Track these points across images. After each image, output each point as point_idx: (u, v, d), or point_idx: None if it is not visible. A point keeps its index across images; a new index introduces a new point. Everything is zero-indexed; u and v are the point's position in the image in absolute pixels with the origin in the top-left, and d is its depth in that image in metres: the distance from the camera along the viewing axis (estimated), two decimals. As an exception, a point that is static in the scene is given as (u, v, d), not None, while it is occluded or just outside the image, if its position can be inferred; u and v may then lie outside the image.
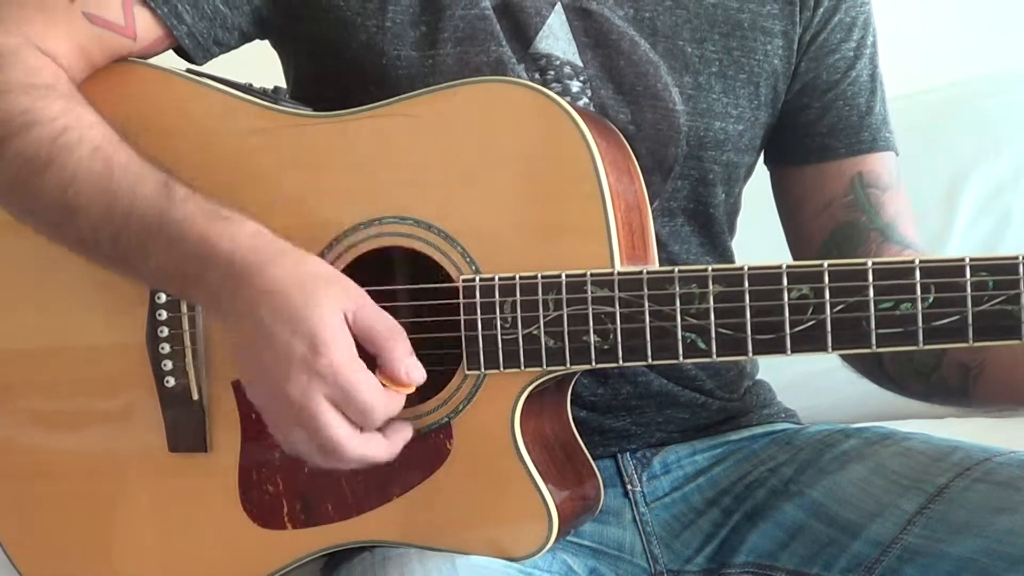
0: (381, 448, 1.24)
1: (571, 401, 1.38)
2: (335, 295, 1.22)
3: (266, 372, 1.22)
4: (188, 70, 1.43)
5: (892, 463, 1.40)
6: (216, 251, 1.24)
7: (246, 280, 1.22)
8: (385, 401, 1.22)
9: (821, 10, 1.48)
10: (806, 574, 1.40)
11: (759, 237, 1.55)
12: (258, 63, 1.56)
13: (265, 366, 1.22)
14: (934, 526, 1.33)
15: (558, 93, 1.39)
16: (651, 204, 1.36)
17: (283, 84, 1.52)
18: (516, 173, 1.29)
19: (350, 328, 1.22)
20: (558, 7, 1.42)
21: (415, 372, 1.23)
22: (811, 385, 1.63)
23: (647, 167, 1.39)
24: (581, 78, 1.42)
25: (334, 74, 1.43)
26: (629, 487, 1.47)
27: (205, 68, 1.46)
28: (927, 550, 1.33)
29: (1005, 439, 1.46)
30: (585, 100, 1.42)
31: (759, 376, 1.60)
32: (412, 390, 1.24)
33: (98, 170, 1.29)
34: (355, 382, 1.20)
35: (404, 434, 1.26)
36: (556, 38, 1.42)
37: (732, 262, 1.55)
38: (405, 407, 1.31)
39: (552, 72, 1.42)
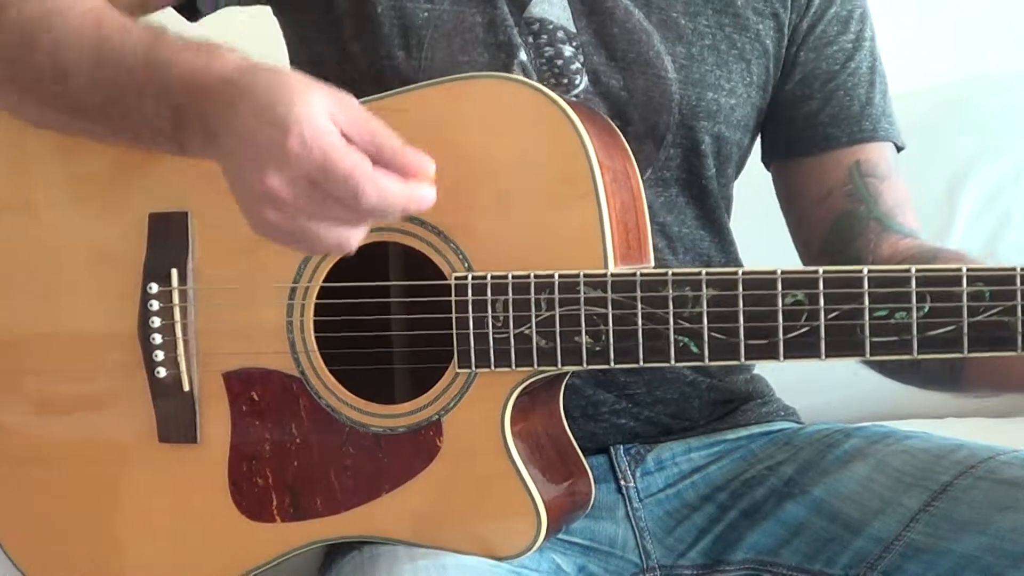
0: (394, 185, 1.15)
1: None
2: (319, 95, 1.17)
3: (250, 175, 1.17)
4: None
5: (894, 461, 1.41)
6: (206, 81, 1.21)
7: (228, 93, 1.20)
8: (377, 173, 1.14)
9: (816, 1, 1.49)
10: (808, 570, 1.40)
11: (758, 237, 1.55)
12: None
13: (248, 168, 1.17)
14: (938, 523, 1.34)
15: (551, 57, 1.40)
16: (644, 173, 1.36)
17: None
18: (511, 171, 1.28)
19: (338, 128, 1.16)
20: None
21: (416, 158, 1.16)
22: (811, 385, 1.62)
23: (639, 134, 1.39)
24: (574, 43, 1.42)
25: (330, 29, 1.43)
26: (622, 483, 1.47)
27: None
28: (930, 547, 1.33)
29: (1006, 439, 1.46)
30: (577, 65, 1.42)
31: (756, 371, 1.59)
32: (427, 176, 1.17)
33: (89, 27, 1.30)
34: (333, 156, 1.13)
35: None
36: (551, 3, 1.43)
37: (731, 242, 1.55)
38: (394, 404, 1.32)
39: (545, 36, 1.42)
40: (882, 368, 1.47)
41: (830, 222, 1.50)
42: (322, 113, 1.15)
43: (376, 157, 1.15)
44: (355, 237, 1.19)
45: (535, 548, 1.29)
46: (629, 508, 1.46)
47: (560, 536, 1.41)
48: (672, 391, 1.49)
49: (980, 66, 2.27)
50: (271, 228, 1.18)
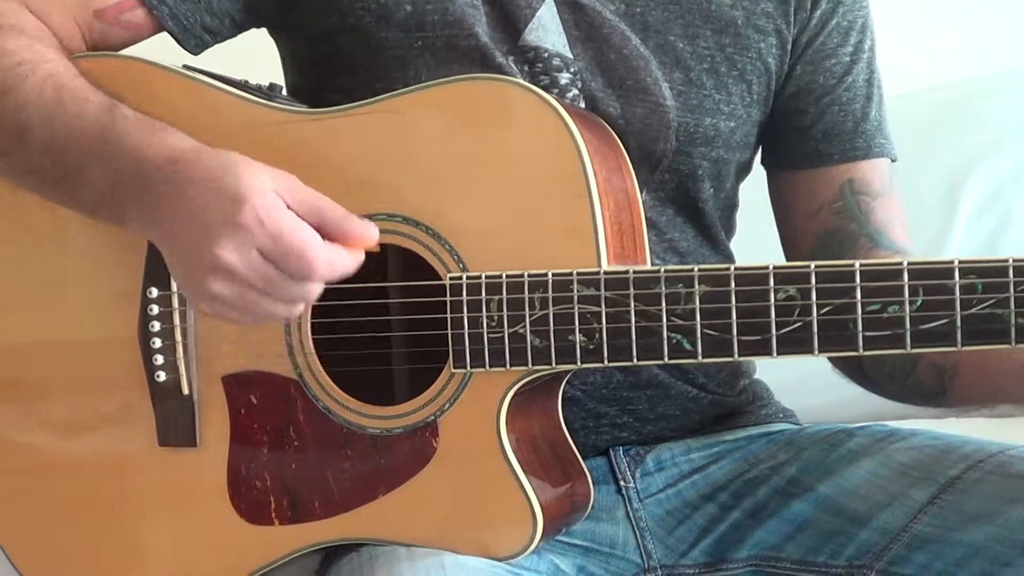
0: (343, 257, 1.21)
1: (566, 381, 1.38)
2: (265, 172, 1.21)
3: (200, 247, 1.20)
4: (185, 66, 1.43)
5: (901, 456, 1.40)
6: (152, 158, 1.25)
7: (174, 176, 1.23)
8: (325, 250, 1.19)
9: (818, 12, 1.48)
10: (812, 563, 1.40)
11: (762, 237, 1.55)
12: (257, 58, 1.56)
13: (198, 241, 1.20)
14: (946, 515, 1.34)
15: (546, 85, 1.39)
16: (640, 193, 1.36)
17: (279, 79, 1.52)
18: (505, 171, 1.28)
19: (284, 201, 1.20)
20: (549, 0, 1.42)
21: (361, 227, 1.21)
22: (811, 385, 1.62)
23: (635, 159, 1.38)
24: (571, 70, 1.42)
25: (327, 60, 1.44)
26: (622, 483, 1.47)
27: (206, 61, 1.46)
28: (938, 538, 1.33)
29: (1007, 439, 1.45)
30: (575, 92, 1.42)
31: (756, 376, 1.60)
32: (369, 245, 1.22)
33: (48, 94, 1.31)
34: (285, 231, 1.18)
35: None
36: (546, 30, 1.42)
37: (730, 259, 1.55)
38: (391, 406, 1.33)
39: (540, 64, 1.42)
40: (865, 381, 1.49)
41: (816, 237, 1.50)
42: (269, 187, 1.20)
43: (321, 228, 1.20)
44: (301, 307, 1.24)
45: (531, 549, 1.29)
46: (629, 508, 1.46)
47: (559, 537, 1.41)
48: (674, 407, 1.49)
49: (980, 66, 2.27)
50: (218, 302, 1.22)
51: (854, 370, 1.49)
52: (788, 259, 1.53)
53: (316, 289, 1.22)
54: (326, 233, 1.20)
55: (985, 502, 1.32)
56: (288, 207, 1.20)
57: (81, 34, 1.43)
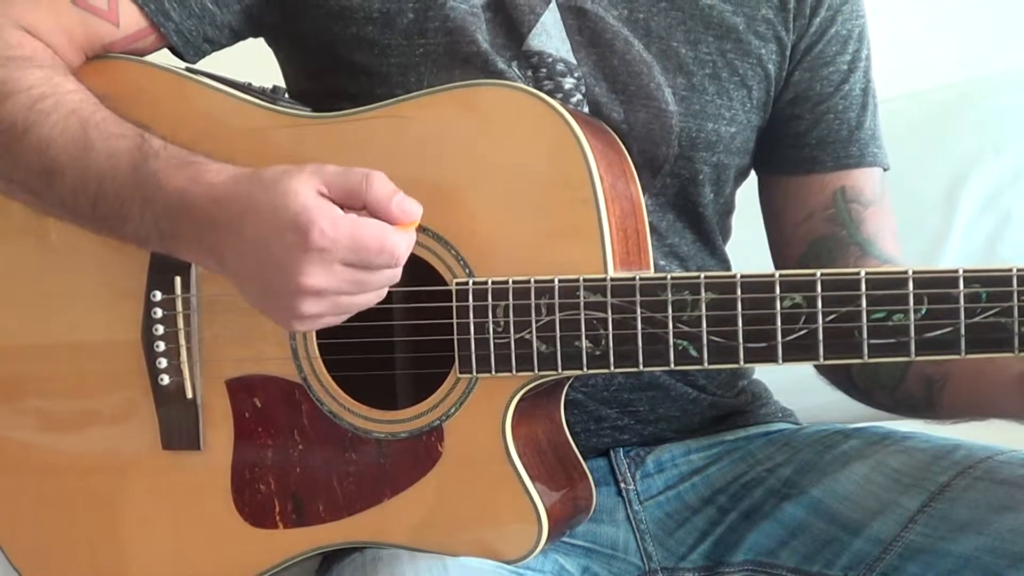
0: (412, 235, 1.22)
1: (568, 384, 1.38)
2: (299, 178, 1.20)
3: (281, 281, 1.20)
4: (188, 69, 1.43)
5: (893, 461, 1.41)
6: (194, 198, 1.24)
7: (222, 216, 1.22)
8: (398, 235, 1.20)
9: (817, 20, 1.48)
10: (807, 572, 1.40)
11: (756, 241, 1.55)
12: (258, 60, 1.56)
13: (277, 277, 1.20)
14: (936, 524, 1.34)
15: (550, 90, 1.40)
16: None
17: (282, 82, 1.52)
18: (511, 177, 1.29)
19: (329, 199, 1.20)
20: (552, 5, 1.43)
21: (407, 204, 1.20)
22: (810, 385, 1.63)
23: (637, 164, 1.39)
24: (575, 75, 1.42)
25: (329, 68, 1.44)
26: (623, 485, 1.47)
27: (207, 62, 1.47)
28: (929, 548, 1.34)
29: (1005, 439, 1.46)
30: (578, 97, 1.42)
31: (755, 376, 1.60)
32: (416, 222, 1.22)
33: (74, 132, 1.30)
34: (359, 235, 1.18)
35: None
36: (549, 35, 1.42)
37: (726, 263, 1.55)
38: (396, 410, 1.33)
39: (544, 70, 1.42)
40: (853, 390, 1.49)
41: (807, 244, 1.50)
42: (308, 192, 1.19)
43: (366, 208, 1.20)
44: (384, 291, 1.24)
45: (536, 553, 1.29)
46: (629, 511, 1.46)
47: (563, 538, 1.42)
48: (674, 408, 1.49)
49: (980, 66, 2.27)
50: (312, 319, 1.23)
51: (842, 378, 1.49)
52: (776, 264, 1.54)
53: (399, 270, 1.22)
54: (371, 213, 1.20)
55: (974, 510, 1.33)
56: (335, 202, 1.20)
57: (85, 60, 1.43)
